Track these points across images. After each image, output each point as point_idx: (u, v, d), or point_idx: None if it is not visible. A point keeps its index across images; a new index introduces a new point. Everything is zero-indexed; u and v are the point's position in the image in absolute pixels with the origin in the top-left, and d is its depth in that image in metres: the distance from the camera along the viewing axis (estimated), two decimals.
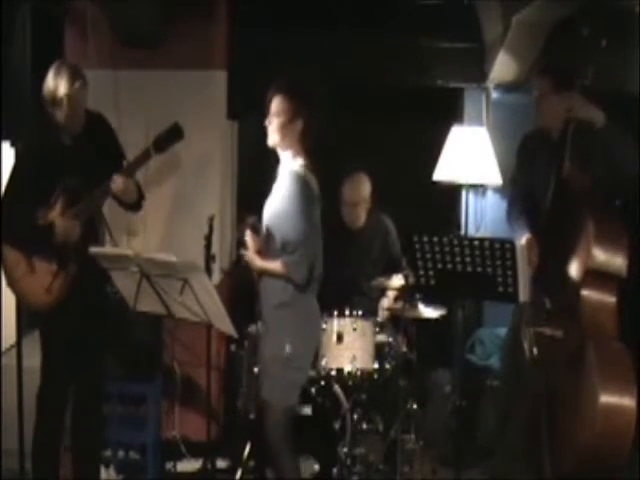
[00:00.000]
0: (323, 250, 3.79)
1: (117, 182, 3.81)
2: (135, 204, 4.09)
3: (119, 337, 4.39)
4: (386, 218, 5.05)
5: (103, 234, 4.13)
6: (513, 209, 4.04)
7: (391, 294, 4.86)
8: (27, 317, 4.34)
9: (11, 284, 3.94)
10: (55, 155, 3.87)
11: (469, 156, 4.95)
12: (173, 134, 3.89)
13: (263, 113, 3.72)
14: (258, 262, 3.74)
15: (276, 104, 3.65)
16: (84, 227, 3.86)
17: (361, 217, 4.97)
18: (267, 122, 3.69)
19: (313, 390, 4.32)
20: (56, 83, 3.75)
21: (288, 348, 3.62)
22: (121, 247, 4.33)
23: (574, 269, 3.49)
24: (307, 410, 4.25)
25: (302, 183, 3.63)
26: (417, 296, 4.40)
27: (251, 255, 3.75)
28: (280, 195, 3.67)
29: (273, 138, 3.69)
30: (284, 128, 3.64)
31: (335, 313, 4.36)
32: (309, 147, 3.71)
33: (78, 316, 3.89)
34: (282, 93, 3.64)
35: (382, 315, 4.77)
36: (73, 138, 3.91)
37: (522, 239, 3.80)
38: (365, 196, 4.93)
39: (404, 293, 4.46)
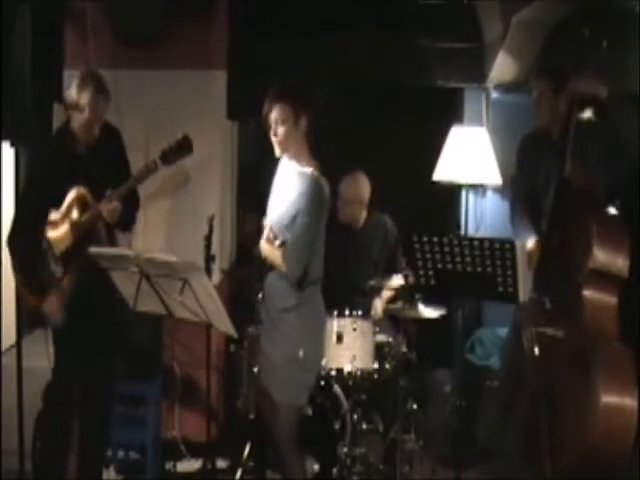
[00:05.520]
0: (324, 250, 3.80)
1: (107, 204, 3.77)
2: (119, 225, 4.00)
3: (119, 337, 4.38)
4: (386, 218, 5.03)
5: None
6: (516, 211, 4.04)
7: (385, 295, 4.85)
8: (27, 317, 4.34)
9: (17, 283, 3.94)
10: (68, 163, 3.86)
11: (469, 156, 4.95)
12: (182, 147, 3.81)
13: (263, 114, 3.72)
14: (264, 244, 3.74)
15: (278, 112, 3.62)
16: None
17: (357, 216, 4.91)
18: (272, 133, 3.65)
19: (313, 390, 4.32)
20: (81, 90, 3.76)
21: (302, 350, 3.65)
22: (121, 247, 4.32)
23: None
24: (307, 410, 4.24)
25: (318, 186, 3.64)
26: (417, 296, 4.39)
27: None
28: (293, 196, 3.66)
29: (282, 147, 3.68)
30: (291, 133, 3.64)
31: (335, 313, 4.35)
32: (312, 148, 3.72)
33: (86, 317, 3.88)
34: (281, 100, 3.62)
35: (374, 315, 4.75)
36: (87, 148, 3.90)
37: (528, 242, 3.80)
38: (363, 196, 4.88)
39: (401, 293, 4.46)
